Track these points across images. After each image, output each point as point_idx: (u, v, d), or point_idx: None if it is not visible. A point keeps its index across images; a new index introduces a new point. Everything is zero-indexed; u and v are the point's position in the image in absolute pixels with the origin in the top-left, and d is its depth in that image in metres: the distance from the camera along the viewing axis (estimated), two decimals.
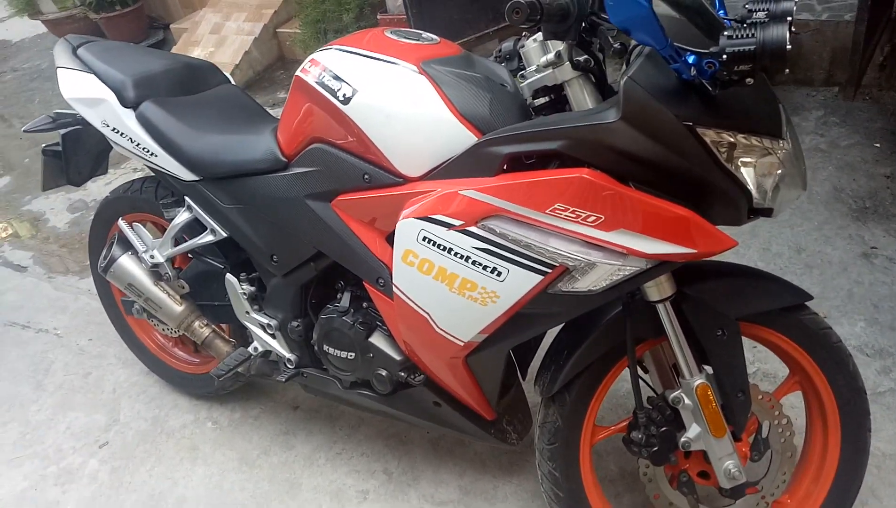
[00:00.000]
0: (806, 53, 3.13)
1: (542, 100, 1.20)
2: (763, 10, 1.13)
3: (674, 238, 1.07)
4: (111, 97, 1.69)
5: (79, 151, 1.96)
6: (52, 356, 2.54)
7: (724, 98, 1.02)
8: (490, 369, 1.40)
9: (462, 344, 1.30)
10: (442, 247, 1.21)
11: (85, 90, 1.73)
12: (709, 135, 1.01)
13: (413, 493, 1.79)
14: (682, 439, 1.32)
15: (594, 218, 1.08)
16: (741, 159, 1.05)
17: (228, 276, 1.72)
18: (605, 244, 1.09)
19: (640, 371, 1.36)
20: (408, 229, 1.25)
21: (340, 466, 1.90)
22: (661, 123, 1.01)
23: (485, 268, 1.19)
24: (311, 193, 1.45)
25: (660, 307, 1.25)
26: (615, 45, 1.06)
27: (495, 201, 1.14)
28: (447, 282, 1.24)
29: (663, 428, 1.31)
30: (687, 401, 1.29)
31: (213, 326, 1.87)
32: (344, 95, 1.32)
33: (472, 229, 1.18)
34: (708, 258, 1.13)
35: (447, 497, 1.77)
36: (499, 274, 1.18)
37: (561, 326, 1.39)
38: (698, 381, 1.27)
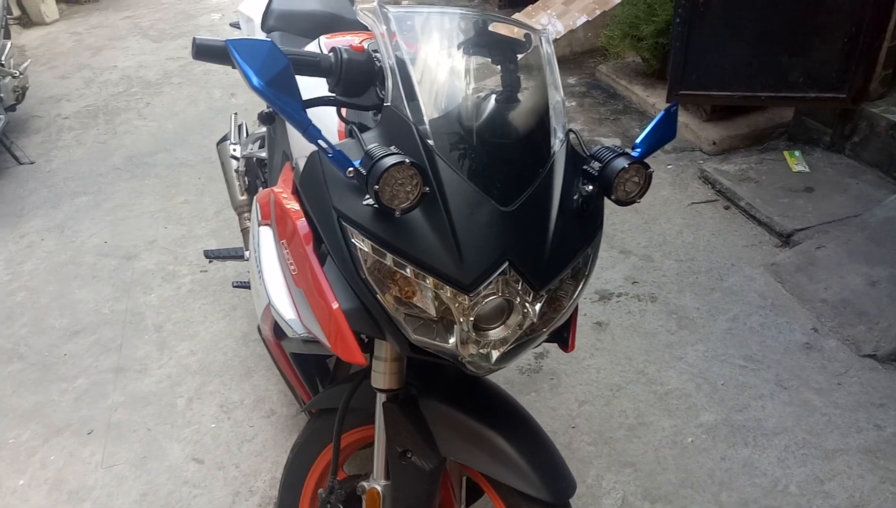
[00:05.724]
0: None
1: None
2: (605, 160, 0.99)
3: (323, 324, 1.03)
4: (258, 20, 2.09)
5: None
6: None
7: (413, 226, 0.92)
8: (290, 362, 1.48)
9: (260, 322, 1.42)
10: (256, 231, 1.34)
11: (248, 7, 2.16)
12: (357, 237, 0.93)
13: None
14: None
15: (294, 268, 1.10)
16: (397, 287, 0.94)
17: (259, 190, 2.05)
18: (291, 297, 1.11)
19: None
20: (254, 206, 1.40)
21: (281, 384, 2.17)
22: (320, 203, 0.97)
23: (258, 266, 1.29)
24: (285, 151, 1.67)
25: (378, 396, 1.19)
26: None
27: (273, 212, 1.22)
28: (254, 263, 1.37)
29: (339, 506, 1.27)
30: (364, 496, 1.22)
31: None
32: None
33: (262, 228, 1.28)
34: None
35: None
36: (261, 277, 1.27)
37: None
38: (373, 485, 1.19)
